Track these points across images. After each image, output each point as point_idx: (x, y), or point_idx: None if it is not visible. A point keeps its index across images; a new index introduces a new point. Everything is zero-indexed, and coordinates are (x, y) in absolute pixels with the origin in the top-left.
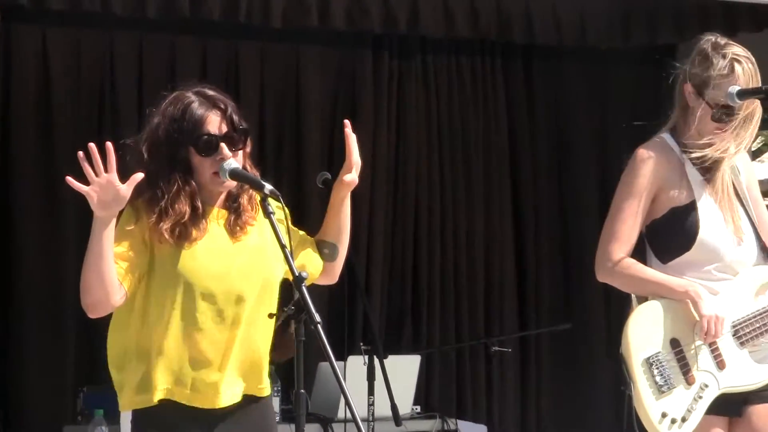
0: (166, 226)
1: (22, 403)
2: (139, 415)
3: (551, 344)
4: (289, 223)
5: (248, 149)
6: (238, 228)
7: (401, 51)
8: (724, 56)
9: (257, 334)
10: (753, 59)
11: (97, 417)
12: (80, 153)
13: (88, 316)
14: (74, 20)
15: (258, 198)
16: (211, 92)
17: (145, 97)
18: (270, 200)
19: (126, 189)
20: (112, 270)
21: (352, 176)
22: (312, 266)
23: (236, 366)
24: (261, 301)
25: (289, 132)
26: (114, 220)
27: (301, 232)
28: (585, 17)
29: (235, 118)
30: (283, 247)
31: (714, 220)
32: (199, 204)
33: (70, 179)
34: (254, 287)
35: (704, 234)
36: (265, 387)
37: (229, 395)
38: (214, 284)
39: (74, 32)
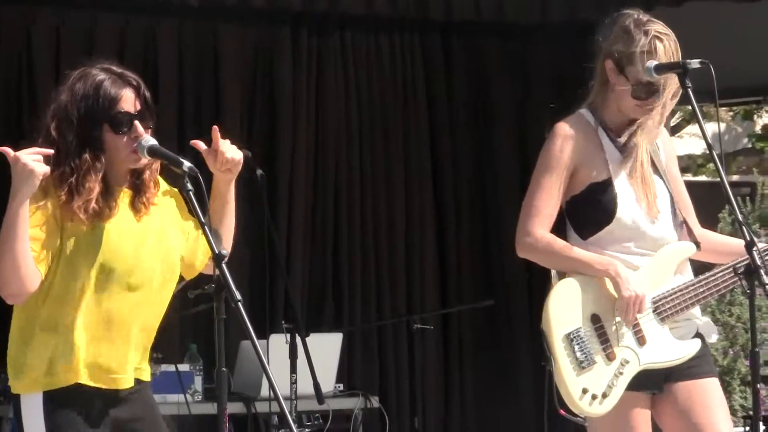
0: (78, 203)
1: None
2: (53, 396)
3: (473, 322)
4: (202, 203)
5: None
6: (141, 206)
7: (320, 29)
8: (646, 33)
9: (155, 318)
10: (674, 37)
11: None
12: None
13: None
14: None
15: (158, 176)
16: (119, 69)
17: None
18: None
19: (44, 162)
20: (28, 253)
21: (227, 162)
22: (201, 253)
23: (139, 346)
24: (164, 282)
25: (207, 110)
26: (28, 201)
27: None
28: None
29: (147, 95)
30: (202, 225)
31: (630, 196)
32: (109, 182)
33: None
34: (158, 268)
35: (622, 210)
36: (149, 370)
37: (134, 375)
38: (127, 264)
39: None
